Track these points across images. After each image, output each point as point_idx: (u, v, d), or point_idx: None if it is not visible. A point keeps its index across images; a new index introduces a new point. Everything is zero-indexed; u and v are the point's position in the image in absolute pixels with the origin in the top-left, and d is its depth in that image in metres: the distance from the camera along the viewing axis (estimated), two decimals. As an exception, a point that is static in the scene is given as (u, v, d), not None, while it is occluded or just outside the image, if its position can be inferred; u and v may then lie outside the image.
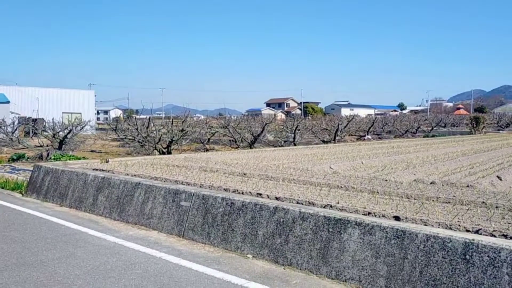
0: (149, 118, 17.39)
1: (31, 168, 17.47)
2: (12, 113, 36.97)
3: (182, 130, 17.74)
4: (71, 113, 43.09)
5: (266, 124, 20.59)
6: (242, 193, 6.16)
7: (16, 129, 30.87)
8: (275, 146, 24.56)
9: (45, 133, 21.07)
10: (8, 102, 37.00)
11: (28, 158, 20.03)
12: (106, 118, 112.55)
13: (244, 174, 8.27)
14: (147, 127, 17.21)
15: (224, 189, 6.44)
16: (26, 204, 8.16)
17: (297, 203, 5.44)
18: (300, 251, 4.64)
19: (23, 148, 22.61)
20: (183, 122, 17.88)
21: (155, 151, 17.71)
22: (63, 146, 21.11)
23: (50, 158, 17.91)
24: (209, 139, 24.86)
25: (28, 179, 11.64)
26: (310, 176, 7.88)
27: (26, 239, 5.71)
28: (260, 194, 5.99)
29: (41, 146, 21.67)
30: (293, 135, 25.92)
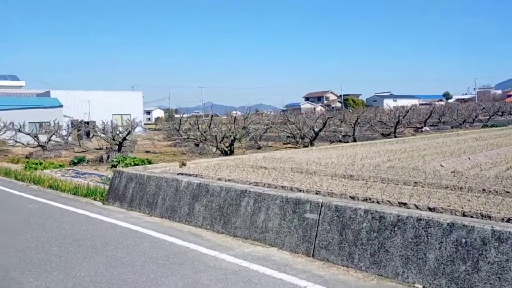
0: (211, 117, 16.70)
1: (94, 171, 17.23)
2: (65, 116, 37.62)
3: (244, 127, 16.91)
4: (121, 114, 43.45)
5: (328, 118, 19.43)
6: (378, 202, 5.13)
7: (70, 133, 31.23)
8: (333, 142, 23.37)
9: (103, 135, 20.87)
10: (61, 106, 37.64)
11: (88, 161, 19.84)
12: (149, 118, 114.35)
13: (351, 176, 7.23)
14: (209, 126, 16.50)
15: (351, 197, 5.44)
16: (113, 214, 7.49)
17: (464, 215, 4.36)
18: (501, 283, 3.56)
19: (83, 151, 22.58)
20: (245, 119, 17.06)
21: (217, 150, 17.00)
22: (122, 147, 20.84)
23: (113, 160, 17.55)
24: (261, 136, 23.97)
25: (101, 184, 11.17)
26: (433, 177, 6.74)
27: (134, 261, 4.93)
28: (404, 204, 4.94)
29: (100, 148, 21.52)
30: (351, 129, 24.60)
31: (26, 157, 23.05)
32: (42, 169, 17.57)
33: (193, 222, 6.58)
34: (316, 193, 5.78)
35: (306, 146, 20.36)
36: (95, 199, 9.87)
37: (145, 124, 61.91)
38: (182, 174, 8.08)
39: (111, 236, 6.05)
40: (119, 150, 20.50)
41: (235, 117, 16.65)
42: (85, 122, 38.90)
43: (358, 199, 5.40)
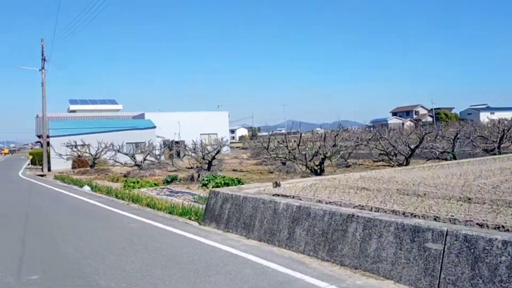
0: (300, 135, 16.36)
1: (186, 190, 17.69)
2: (158, 137, 39.81)
3: (334, 145, 16.32)
4: (208, 134, 45.01)
5: (426, 133, 18.10)
6: (518, 232, 4.35)
7: (163, 152, 32.82)
8: (429, 159, 21.72)
9: (194, 155, 21.52)
10: (155, 127, 39.87)
11: (180, 180, 20.48)
12: (233, 137, 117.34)
13: (469, 199, 6.38)
14: (298, 144, 16.17)
15: (479, 225, 4.70)
16: (210, 236, 7.38)
17: None
18: None
19: (175, 170, 23.49)
20: (335, 136, 16.48)
21: (306, 169, 16.58)
22: (211, 166, 21.28)
23: (203, 179, 17.91)
24: (349, 153, 23.06)
25: (194, 203, 11.31)
26: None
27: (239, 289, 4.67)
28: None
29: (191, 167, 22.20)
30: (449, 145, 22.73)
31: (124, 176, 24.52)
32: (139, 188, 18.45)
33: (294, 247, 6.21)
34: (435, 219, 5.11)
35: (401, 164, 19.14)
36: (190, 218, 9.94)
37: (230, 142, 63.50)
38: (278, 195, 7.78)
39: (212, 260, 5.88)
40: (208, 169, 20.95)
41: (324, 134, 16.15)
42: (175, 142, 40.84)
43: (488, 226, 4.65)
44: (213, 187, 15.92)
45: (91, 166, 30.61)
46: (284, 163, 24.03)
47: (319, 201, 6.84)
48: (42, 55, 33.36)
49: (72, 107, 60.78)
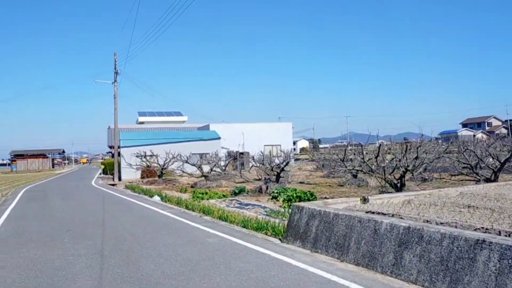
0: (379, 146, 15.21)
1: (256, 202, 17.10)
2: (222, 148, 39.98)
3: (417, 157, 14.98)
4: (272, 145, 44.57)
5: (518, 146, 16.21)
6: None
7: (228, 163, 32.73)
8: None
9: (262, 166, 21.00)
10: (220, 138, 40.07)
11: (248, 191, 20.00)
12: (294, 148, 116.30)
13: None
14: (376, 157, 15.03)
15: None
16: (297, 256, 6.63)
17: None
18: None
19: (242, 182, 23.11)
20: (417, 148, 15.14)
21: (386, 183, 15.36)
22: (280, 178, 20.62)
23: (273, 192, 17.26)
24: (426, 167, 21.34)
25: (267, 217, 10.65)
26: None
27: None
28: None
29: (258, 179, 21.69)
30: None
31: (191, 186, 24.52)
32: (207, 199, 18.17)
33: (403, 276, 5.29)
34: None
35: (489, 179, 17.31)
36: (266, 233, 9.31)
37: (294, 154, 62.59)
38: (373, 212, 6.89)
39: (301, 282, 5.13)
40: (277, 180, 20.30)
41: (406, 145, 14.88)
42: (240, 153, 40.77)
43: None
44: (284, 200, 15.22)
45: (159, 176, 31.13)
46: (355, 176, 22.83)
47: (427, 221, 5.88)
48: (115, 68, 34.73)
49: (141, 119, 63.11)
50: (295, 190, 16.66)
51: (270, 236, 8.98)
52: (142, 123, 61.82)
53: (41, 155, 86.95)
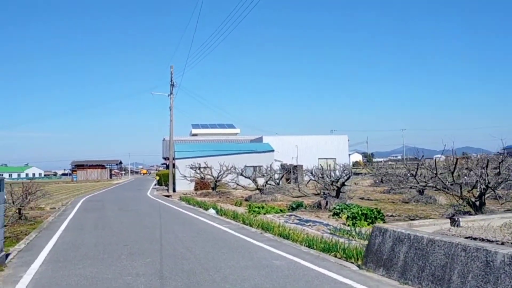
0: (456, 160, 13.75)
1: (316, 219, 16.06)
2: (276, 160, 39.20)
3: (499, 173, 13.39)
4: (326, 158, 43.23)
5: None
6: None
7: (282, 176, 31.87)
8: None
9: (321, 180, 19.97)
10: (273, 150, 39.36)
11: (306, 207, 19.04)
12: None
13: None
14: (453, 172, 13.59)
15: None
16: (384, 288, 5.64)
17: None
18: None
19: (299, 196, 22.18)
20: (500, 163, 13.55)
21: (463, 201, 13.83)
22: (340, 193, 19.47)
23: (334, 208, 16.18)
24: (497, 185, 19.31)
25: (331, 236, 9.68)
26: None
27: None
28: None
29: (317, 193, 20.64)
30: None
31: (246, 200, 23.87)
32: (264, 214, 17.38)
33: (534, 324, 4.18)
34: None
35: None
36: (336, 255, 8.36)
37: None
38: (475, 238, 5.77)
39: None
40: (337, 196, 19.17)
41: (487, 160, 13.33)
42: (293, 167, 39.79)
43: None
44: (348, 217, 14.13)
45: (213, 188, 30.82)
46: (421, 192, 21.23)
47: (556, 253, 4.70)
48: (171, 81, 35.16)
49: (194, 131, 63.89)
50: (359, 207, 15.50)
51: (340, 258, 8.03)
52: (195, 135, 62.53)
53: (100, 165, 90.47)
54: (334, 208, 16.30)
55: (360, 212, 14.18)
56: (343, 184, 19.21)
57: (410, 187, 20.10)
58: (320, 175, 19.99)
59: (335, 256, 8.41)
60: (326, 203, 18.47)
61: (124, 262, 7.63)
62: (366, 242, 10.36)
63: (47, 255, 8.51)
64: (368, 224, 13.49)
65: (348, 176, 18.96)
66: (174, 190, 34.93)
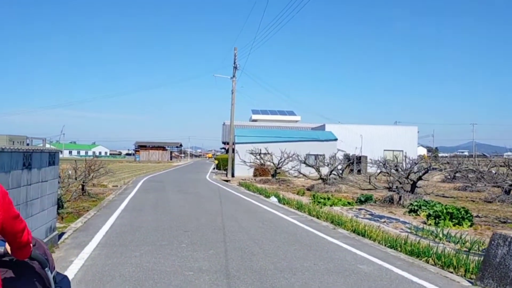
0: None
1: (389, 215, 14.49)
2: (339, 150, 37.42)
3: None
4: (392, 150, 40.73)
5: None
6: None
7: (346, 167, 30.19)
8: None
9: (393, 172, 18.21)
10: (336, 139, 37.59)
11: (376, 200, 17.48)
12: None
13: None
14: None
15: None
16: (522, 320, 4.21)
17: None
18: None
19: (364, 189, 20.55)
20: None
21: None
22: (415, 188, 17.63)
23: (411, 204, 14.50)
24: None
25: (412, 236, 8.21)
26: None
27: None
28: None
29: (389, 188, 18.92)
30: None
31: (308, 189, 22.62)
32: (330, 205, 16.06)
33: None
34: None
35: None
36: (428, 261, 6.99)
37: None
38: None
39: None
40: (412, 191, 17.37)
41: None
42: (357, 157, 37.81)
43: None
44: (429, 216, 12.48)
45: (273, 176, 29.81)
46: (507, 192, 18.92)
47: None
48: (234, 63, 34.34)
49: (254, 116, 63.18)
50: (443, 205, 13.73)
51: (435, 265, 6.63)
52: (255, 120, 61.83)
53: (161, 147, 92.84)
54: (411, 204, 14.64)
55: (444, 211, 12.46)
56: (419, 178, 17.36)
57: (498, 186, 17.91)
58: (394, 167, 18.22)
59: (427, 262, 7.02)
60: (400, 198, 16.80)
61: (184, 252, 6.71)
62: (458, 247, 8.82)
63: (103, 237, 7.82)
64: (454, 225, 11.80)
65: (426, 169, 17.07)
66: (232, 175, 34.36)
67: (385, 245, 8.46)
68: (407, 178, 17.38)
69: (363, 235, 9.40)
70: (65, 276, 2.21)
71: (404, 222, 12.45)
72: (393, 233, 9.85)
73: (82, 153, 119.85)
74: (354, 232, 9.89)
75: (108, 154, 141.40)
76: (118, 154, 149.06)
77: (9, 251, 1.79)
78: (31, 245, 1.87)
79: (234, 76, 34.72)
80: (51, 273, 1.97)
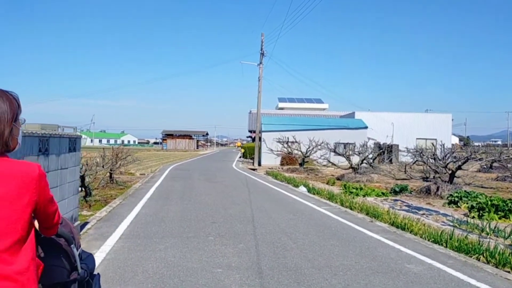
0: None
1: (427, 207, 13.65)
2: (369, 138, 36.33)
3: None
4: (425, 139, 39.29)
5: None
6: None
7: (378, 155, 29.21)
8: None
9: (430, 161, 17.26)
10: (366, 127, 36.48)
11: (411, 191, 16.63)
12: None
13: None
14: None
15: None
16: None
17: None
18: None
19: (397, 179, 19.66)
20: None
21: None
22: (454, 178, 16.66)
23: (451, 195, 13.60)
24: None
25: (456, 230, 7.44)
26: None
27: None
28: None
29: (426, 177, 17.99)
30: None
31: (338, 179, 21.89)
32: (363, 196, 15.35)
33: None
34: None
35: None
36: (478, 259, 6.30)
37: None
38: None
39: None
40: (450, 181, 16.41)
41: None
42: (387, 146, 36.61)
43: None
44: (471, 208, 11.62)
45: (300, 164, 29.12)
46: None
47: None
48: (261, 49, 33.59)
49: (281, 104, 62.33)
50: (485, 195, 12.82)
51: (490, 265, 5.92)
52: (281, 108, 61.00)
53: (188, 136, 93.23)
54: (451, 195, 13.75)
55: (489, 203, 11.58)
56: (459, 168, 16.36)
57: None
58: (432, 156, 17.25)
59: (478, 260, 6.31)
60: (437, 189, 15.90)
61: (212, 245, 6.21)
62: (508, 242, 8.03)
63: (127, 227, 7.42)
64: (500, 218, 10.93)
65: (466, 158, 16.06)
66: (259, 164, 33.87)
67: (429, 240, 7.77)
68: (445, 167, 16.41)
69: (403, 229, 8.73)
70: (90, 254, 2.27)
71: (445, 215, 11.66)
72: (435, 227, 9.14)
73: (112, 141, 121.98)
74: (392, 225, 9.22)
75: (136, 143, 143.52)
76: (146, 143, 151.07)
77: (37, 228, 1.80)
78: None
79: (261, 62, 34.02)
80: (77, 250, 2.03)
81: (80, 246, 2.10)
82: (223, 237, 6.83)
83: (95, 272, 2.23)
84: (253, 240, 6.61)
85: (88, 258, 2.18)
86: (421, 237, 7.92)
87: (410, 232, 8.33)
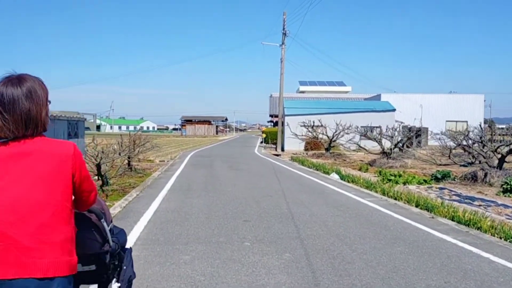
0: None
1: (478, 196, 12.17)
2: (396, 121, 34.50)
3: None
4: (456, 121, 37.20)
5: None
6: None
7: (409, 139, 27.48)
8: None
9: (479, 145, 15.60)
10: (394, 110, 34.60)
11: (454, 177, 15.08)
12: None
13: None
14: None
15: None
16: None
17: None
18: None
19: (440, 165, 18.04)
20: None
21: None
22: (503, 163, 14.99)
23: (506, 182, 12.03)
24: None
25: None
26: None
27: None
28: None
29: (470, 162, 16.32)
30: None
31: (369, 164, 20.43)
32: (403, 184, 13.89)
33: None
34: None
35: None
36: None
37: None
38: None
39: None
40: (499, 166, 14.76)
41: None
42: (417, 129, 34.74)
43: None
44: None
45: (327, 150, 27.62)
46: None
47: None
48: (283, 29, 31.90)
49: (302, 88, 60.50)
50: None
51: None
52: (303, 92, 59.20)
53: (207, 121, 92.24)
54: (506, 182, 12.18)
55: None
56: (510, 152, 14.67)
57: None
58: (478, 138, 15.56)
59: None
60: (485, 175, 14.32)
61: (250, 255, 4.90)
62: None
63: (144, 229, 6.17)
64: None
65: (518, 142, 14.36)
66: (282, 149, 32.48)
67: (500, 238, 6.40)
68: (495, 151, 14.74)
69: (467, 225, 7.31)
70: (122, 229, 2.33)
71: (505, 206, 10.18)
72: (507, 223, 7.70)
73: (131, 128, 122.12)
74: (453, 220, 7.79)
75: (155, 129, 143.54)
76: (165, 129, 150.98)
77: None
78: None
79: (283, 43, 32.34)
80: (108, 225, 2.09)
81: (111, 222, 2.18)
82: (261, 242, 5.51)
83: (127, 246, 2.30)
84: (301, 247, 5.27)
85: (120, 233, 2.25)
86: (500, 238, 6.49)
87: (485, 232, 6.90)
